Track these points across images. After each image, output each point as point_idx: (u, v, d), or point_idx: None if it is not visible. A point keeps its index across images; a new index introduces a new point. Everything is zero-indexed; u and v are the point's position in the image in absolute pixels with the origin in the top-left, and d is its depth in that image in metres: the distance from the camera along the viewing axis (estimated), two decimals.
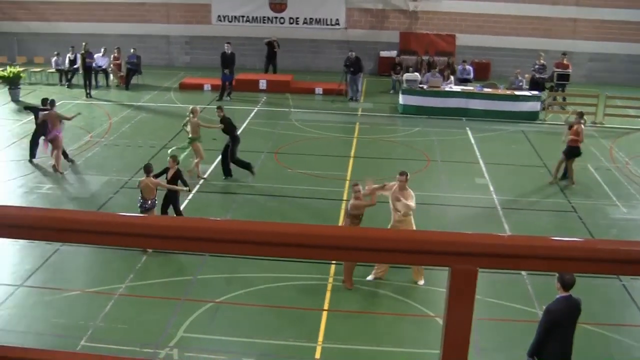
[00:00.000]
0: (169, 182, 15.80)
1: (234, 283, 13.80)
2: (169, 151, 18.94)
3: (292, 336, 11.99)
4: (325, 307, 13.03)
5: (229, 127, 19.68)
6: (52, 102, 20.83)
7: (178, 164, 16.20)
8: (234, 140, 19.62)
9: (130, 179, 19.21)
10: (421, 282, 13.94)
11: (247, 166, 19.67)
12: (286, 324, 12.48)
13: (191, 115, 19.63)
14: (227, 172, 19.69)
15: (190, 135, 19.65)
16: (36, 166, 20.47)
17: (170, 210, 15.88)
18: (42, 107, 20.84)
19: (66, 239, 2.38)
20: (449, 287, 2.25)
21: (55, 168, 19.85)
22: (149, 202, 15.38)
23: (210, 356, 11.37)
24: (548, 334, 9.28)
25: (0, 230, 2.46)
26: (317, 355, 11.55)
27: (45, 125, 20.21)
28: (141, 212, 15.23)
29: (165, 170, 15.96)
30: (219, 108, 20.15)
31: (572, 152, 19.50)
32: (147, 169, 15.49)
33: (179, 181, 15.99)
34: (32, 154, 20.97)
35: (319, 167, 20.28)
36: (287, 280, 13.95)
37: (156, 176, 15.68)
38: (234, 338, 11.99)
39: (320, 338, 11.96)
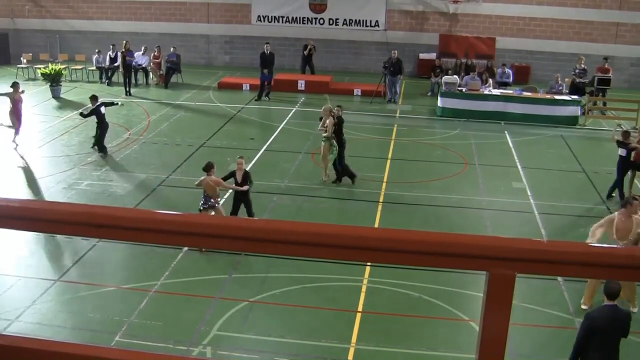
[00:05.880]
0: (239, 185, 15.45)
1: (269, 283, 13.83)
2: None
3: (326, 337, 11.99)
4: (360, 309, 13.01)
5: (340, 128, 19.50)
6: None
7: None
8: (341, 144, 19.48)
9: (168, 176, 19.38)
10: (635, 310, 12.38)
11: (352, 176, 19.55)
12: (320, 325, 12.47)
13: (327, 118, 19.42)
14: (340, 178, 19.58)
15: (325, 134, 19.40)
16: (75, 162, 20.68)
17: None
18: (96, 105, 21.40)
19: (104, 235, 2.39)
20: (487, 291, 2.23)
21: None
22: (212, 200, 15.21)
23: (243, 355, 11.41)
24: (586, 341, 9.00)
25: (39, 225, 2.48)
26: (350, 356, 11.52)
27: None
28: (202, 210, 15.18)
29: (233, 174, 15.57)
30: (339, 107, 20.10)
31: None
32: (207, 168, 15.23)
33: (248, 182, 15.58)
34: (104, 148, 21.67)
35: (356, 168, 20.20)
36: (322, 281, 13.94)
37: (224, 179, 15.43)
38: (267, 337, 12.01)
39: (354, 340, 11.95)
